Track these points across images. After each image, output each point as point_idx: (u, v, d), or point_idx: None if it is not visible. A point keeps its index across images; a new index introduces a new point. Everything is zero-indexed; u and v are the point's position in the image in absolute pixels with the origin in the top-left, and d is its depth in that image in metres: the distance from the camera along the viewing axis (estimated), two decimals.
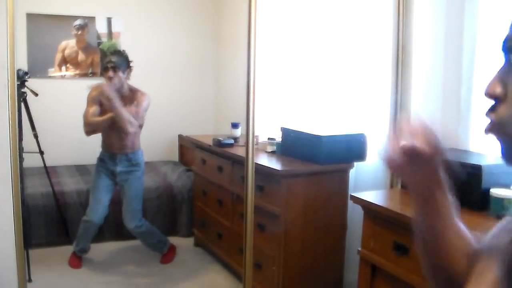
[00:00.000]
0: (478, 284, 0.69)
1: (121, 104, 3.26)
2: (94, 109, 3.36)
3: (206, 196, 3.77)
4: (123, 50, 3.46)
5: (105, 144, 3.52)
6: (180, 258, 3.80)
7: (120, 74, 3.32)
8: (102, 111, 3.37)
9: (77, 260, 3.63)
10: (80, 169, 4.61)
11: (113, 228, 4.00)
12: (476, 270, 0.72)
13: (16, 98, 2.28)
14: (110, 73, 3.29)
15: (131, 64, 3.41)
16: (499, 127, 0.63)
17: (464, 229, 0.85)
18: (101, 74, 4.60)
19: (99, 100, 3.37)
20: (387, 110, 2.62)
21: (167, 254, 3.74)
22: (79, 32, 4.75)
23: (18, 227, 2.32)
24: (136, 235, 3.58)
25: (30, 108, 3.50)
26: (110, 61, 3.31)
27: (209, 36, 5.19)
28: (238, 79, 3.73)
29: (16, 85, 2.28)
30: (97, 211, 3.48)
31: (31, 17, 4.56)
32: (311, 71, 3.41)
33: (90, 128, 3.37)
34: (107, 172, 3.51)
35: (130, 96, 3.41)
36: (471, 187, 1.93)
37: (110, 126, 3.36)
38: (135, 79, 3.52)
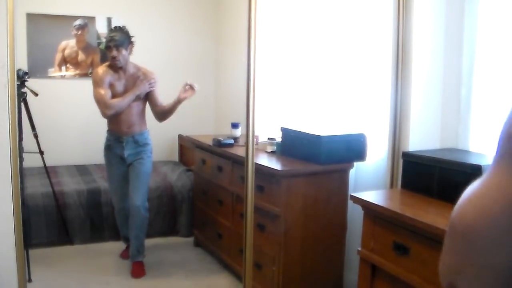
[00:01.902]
0: None
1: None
2: (107, 91, 3.34)
3: (206, 196, 3.77)
4: (123, 26, 3.39)
5: (112, 126, 3.46)
6: (180, 258, 3.80)
7: (123, 51, 3.29)
8: (112, 92, 3.37)
9: (125, 252, 3.74)
10: (80, 169, 4.61)
11: (113, 228, 4.01)
12: None
13: (16, 98, 2.28)
14: (114, 52, 3.26)
15: (132, 40, 3.37)
16: None
17: None
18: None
19: (108, 81, 3.36)
20: (387, 110, 2.62)
21: (140, 265, 3.49)
22: (79, 32, 4.76)
23: (18, 227, 2.32)
24: (137, 218, 3.40)
25: (30, 108, 3.50)
26: (112, 39, 3.26)
27: (209, 36, 5.20)
28: (238, 79, 3.73)
29: (16, 85, 2.28)
30: (119, 200, 3.55)
31: (31, 17, 4.57)
32: (311, 71, 3.41)
33: (113, 111, 3.31)
34: (116, 159, 3.46)
35: (136, 74, 3.40)
36: None
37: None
38: None
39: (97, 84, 3.35)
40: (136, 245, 3.47)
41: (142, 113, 3.48)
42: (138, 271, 3.45)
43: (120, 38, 3.26)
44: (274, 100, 3.86)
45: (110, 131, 3.49)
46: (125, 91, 3.40)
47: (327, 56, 3.24)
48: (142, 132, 3.47)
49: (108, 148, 3.50)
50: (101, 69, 3.42)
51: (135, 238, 3.46)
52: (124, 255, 3.74)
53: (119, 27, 3.38)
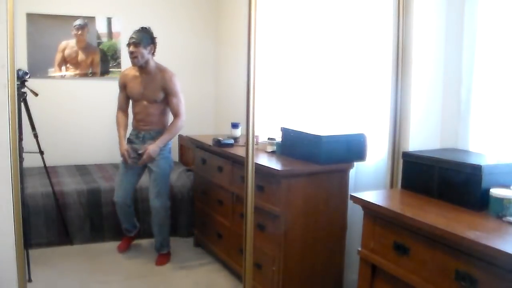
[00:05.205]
0: None
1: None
2: (122, 95, 3.66)
3: (206, 196, 3.77)
4: (148, 27, 3.51)
5: (134, 120, 3.66)
6: (180, 258, 3.80)
7: (142, 49, 3.39)
8: (127, 94, 3.62)
9: (124, 243, 3.88)
10: (80, 169, 4.61)
11: (113, 228, 4.01)
12: None
13: (16, 98, 2.28)
14: (131, 48, 3.39)
15: (156, 41, 3.49)
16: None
17: None
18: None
19: (123, 84, 3.60)
20: (387, 110, 2.62)
21: (166, 255, 3.72)
22: (79, 32, 4.76)
23: (18, 227, 2.32)
24: (157, 218, 3.59)
25: (30, 108, 3.50)
26: (132, 37, 3.41)
27: (209, 36, 5.20)
28: (238, 79, 3.73)
29: (16, 85, 2.28)
30: (119, 192, 3.65)
31: (31, 17, 4.57)
32: (311, 71, 3.41)
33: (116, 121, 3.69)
34: (132, 153, 3.58)
35: (157, 75, 3.50)
36: (471, 187, 1.93)
37: (139, 102, 3.55)
38: None
39: (118, 86, 3.68)
40: (159, 240, 3.67)
41: (162, 113, 3.59)
42: (161, 260, 3.68)
43: (139, 36, 3.40)
44: (274, 100, 3.86)
45: (133, 125, 3.67)
46: (142, 92, 3.53)
47: (327, 56, 3.24)
48: (161, 131, 3.59)
49: (129, 141, 3.66)
50: (124, 71, 3.69)
51: (157, 233, 3.67)
52: (121, 247, 3.86)
53: (145, 27, 3.52)
